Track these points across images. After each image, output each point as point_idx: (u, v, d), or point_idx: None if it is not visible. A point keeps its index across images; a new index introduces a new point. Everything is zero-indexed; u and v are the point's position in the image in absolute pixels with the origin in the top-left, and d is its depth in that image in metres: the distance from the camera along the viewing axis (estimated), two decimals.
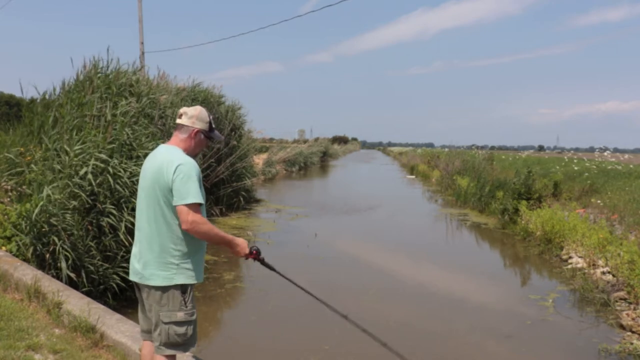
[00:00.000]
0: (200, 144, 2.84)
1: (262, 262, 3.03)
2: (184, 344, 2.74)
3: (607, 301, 6.64)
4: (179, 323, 2.70)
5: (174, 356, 2.80)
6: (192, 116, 2.79)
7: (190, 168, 2.65)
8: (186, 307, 2.71)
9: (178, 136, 2.81)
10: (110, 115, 7.21)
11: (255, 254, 2.91)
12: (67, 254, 5.61)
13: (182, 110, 2.83)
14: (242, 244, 2.85)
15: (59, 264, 5.52)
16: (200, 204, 2.66)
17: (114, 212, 6.16)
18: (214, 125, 2.89)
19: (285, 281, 3.38)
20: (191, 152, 2.81)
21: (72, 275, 5.54)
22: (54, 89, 8.32)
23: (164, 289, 2.69)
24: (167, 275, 2.68)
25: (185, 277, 2.71)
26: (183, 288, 2.71)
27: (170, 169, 2.63)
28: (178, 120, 2.83)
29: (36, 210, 5.57)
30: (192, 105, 3.05)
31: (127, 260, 6.11)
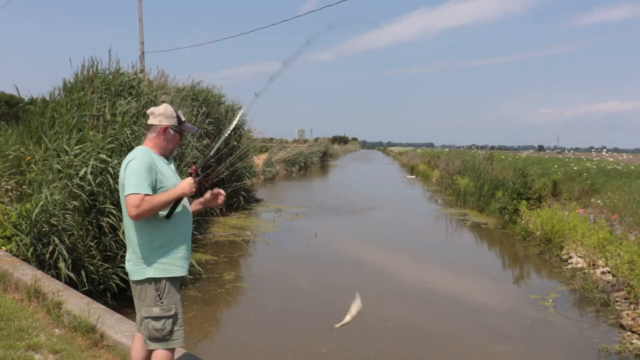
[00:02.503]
0: (172, 139, 2.88)
1: (202, 170, 2.90)
2: (164, 338, 2.77)
3: (607, 301, 6.64)
4: (155, 318, 2.75)
5: (171, 351, 2.82)
6: (159, 114, 2.85)
7: (138, 162, 2.72)
8: (161, 302, 2.75)
9: (148, 136, 2.89)
10: (109, 115, 7.21)
11: (194, 172, 2.81)
12: (67, 254, 5.61)
13: (149, 110, 2.90)
14: (185, 186, 2.75)
15: (59, 264, 5.52)
16: (148, 194, 2.66)
17: (113, 211, 6.16)
18: (183, 119, 2.93)
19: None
20: (164, 149, 2.88)
21: (72, 275, 5.55)
22: (54, 90, 8.32)
23: (140, 283, 2.78)
24: (140, 270, 2.77)
25: (155, 270, 2.75)
26: (156, 282, 2.75)
27: (123, 167, 2.77)
28: (148, 121, 2.90)
29: (36, 210, 5.57)
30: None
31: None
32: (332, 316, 6.62)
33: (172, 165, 2.96)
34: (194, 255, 7.83)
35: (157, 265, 2.76)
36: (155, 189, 2.73)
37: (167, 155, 2.91)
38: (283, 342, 5.46)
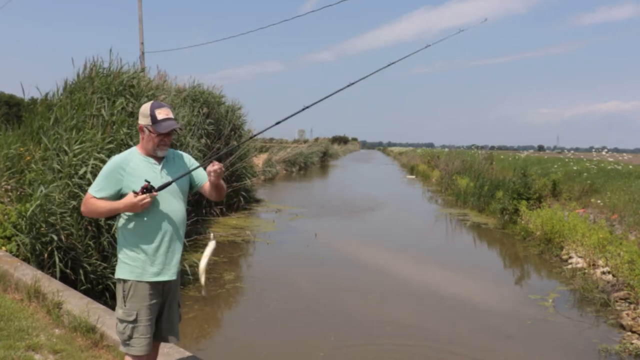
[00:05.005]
0: (148, 139, 2.75)
1: (156, 189, 2.67)
2: (124, 342, 2.74)
3: (607, 301, 6.64)
4: (119, 319, 2.74)
5: (135, 357, 2.76)
6: (140, 114, 2.80)
7: (106, 165, 2.78)
8: (125, 305, 2.71)
9: None
10: (108, 115, 7.22)
11: (143, 189, 2.62)
12: (66, 253, 5.61)
13: None
14: (126, 203, 2.62)
15: (57, 263, 5.52)
16: (95, 197, 2.70)
17: None
18: (160, 117, 2.73)
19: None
20: (146, 149, 2.79)
21: (70, 273, 5.55)
22: (57, 90, 8.32)
23: (117, 281, 2.80)
24: (117, 268, 2.80)
25: (122, 270, 2.74)
26: (124, 283, 2.73)
27: None
28: None
29: (31, 209, 5.56)
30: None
31: None
32: (332, 316, 6.60)
33: (159, 167, 2.78)
34: (194, 255, 7.82)
35: (124, 265, 2.73)
36: (121, 193, 2.70)
37: (152, 155, 2.78)
38: (282, 343, 5.46)
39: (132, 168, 2.71)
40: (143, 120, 2.76)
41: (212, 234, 2.90)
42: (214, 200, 3.03)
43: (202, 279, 2.83)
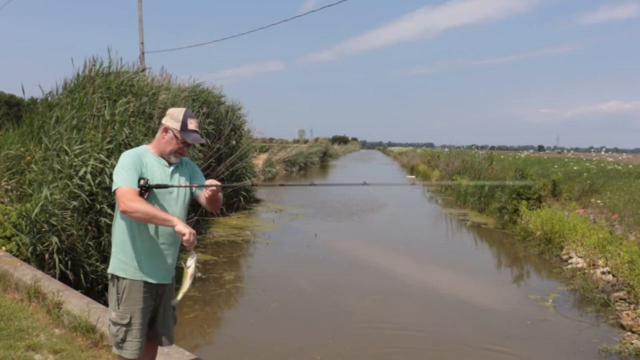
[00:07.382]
0: (169, 142, 2.74)
1: (153, 186, 2.66)
2: (117, 345, 2.71)
3: (607, 301, 6.64)
4: (112, 322, 2.70)
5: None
6: (168, 114, 2.78)
7: (121, 158, 2.69)
8: (118, 307, 2.66)
9: (156, 135, 2.85)
10: (108, 115, 7.21)
11: (142, 188, 2.61)
12: (66, 253, 5.61)
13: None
14: (175, 224, 2.55)
15: (57, 264, 5.52)
16: (134, 188, 2.57)
17: (111, 212, 6.16)
18: (191, 127, 2.74)
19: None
20: (161, 150, 2.77)
21: (70, 274, 5.55)
22: (57, 89, 8.31)
23: (109, 279, 2.76)
24: (110, 262, 2.75)
25: (116, 267, 2.70)
26: (118, 282, 2.67)
27: None
28: None
29: (36, 210, 5.57)
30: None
31: None
32: (332, 318, 6.60)
33: (169, 169, 2.77)
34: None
35: (119, 262, 2.69)
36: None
37: (165, 157, 2.77)
38: (281, 344, 5.45)
39: (146, 162, 2.72)
40: (172, 123, 2.73)
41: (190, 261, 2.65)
42: (209, 210, 3.03)
43: (186, 285, 2.62)
